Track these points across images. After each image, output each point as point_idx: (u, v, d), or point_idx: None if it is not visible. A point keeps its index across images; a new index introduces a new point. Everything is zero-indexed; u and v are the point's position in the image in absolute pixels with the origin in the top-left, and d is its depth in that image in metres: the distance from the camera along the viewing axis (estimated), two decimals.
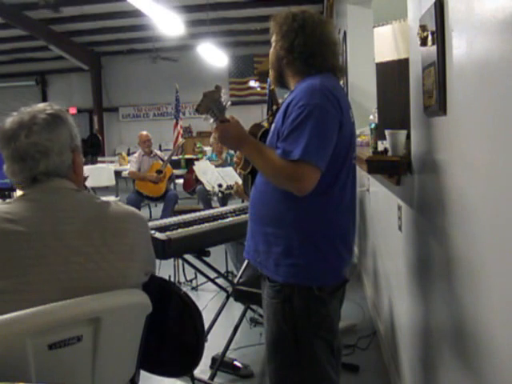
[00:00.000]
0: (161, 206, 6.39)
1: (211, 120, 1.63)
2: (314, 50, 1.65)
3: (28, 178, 1.34)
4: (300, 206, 1.57)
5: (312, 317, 1.61)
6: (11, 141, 1.31)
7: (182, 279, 4.30)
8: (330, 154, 1.53)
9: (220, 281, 3.28)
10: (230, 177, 5.19)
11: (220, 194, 5.29)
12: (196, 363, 1.60)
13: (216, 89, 1.61)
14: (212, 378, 2.66)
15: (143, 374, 1.56)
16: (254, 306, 3.09)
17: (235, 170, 5.38)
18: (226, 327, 3.01)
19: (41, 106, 1.38)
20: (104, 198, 1.45)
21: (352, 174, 1.67)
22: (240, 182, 3.98)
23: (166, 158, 6.45)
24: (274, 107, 1.96)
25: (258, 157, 1.59)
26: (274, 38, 1.74)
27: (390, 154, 1.96)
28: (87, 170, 3.01)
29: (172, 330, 1.58)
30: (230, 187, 5.14)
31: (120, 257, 1.34)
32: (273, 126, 1.69)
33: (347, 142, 1.61)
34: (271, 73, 1.79)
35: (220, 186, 5.26)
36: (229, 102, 1.63)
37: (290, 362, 1.64)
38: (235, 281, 2.90)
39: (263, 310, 1.74)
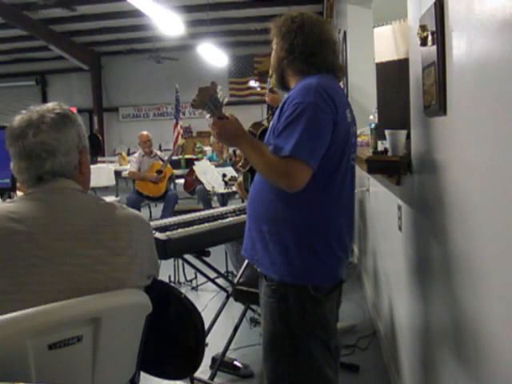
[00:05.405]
0: (161, 206, 6.40)
1: (207, 115, 1.63)
2: (314, 49, 1.67)
3: (33, 177, 1.34)
4: (295, 205, 1.58)
5: (307, 316, 1.61)
6: (19, 139, 1.31)
7: (182, 279, 4.30)
8: (322, 153, 1.54)
9: (220, 281, 3.28)
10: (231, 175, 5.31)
11: (223, 186, 5.35)
12: (196, 367, 1.59)
13: (212, 85, 1.61)
14: (212, 378, 2.66)
15: (143, 374, 1.56)
16: (254, 306, 3.09)
17: (234, 168, 5.46)
18: (226, 327, 3.01)
19: (50, 105, 1.38)
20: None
21: (350, 175, 1.67)
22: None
23: (166, 158, 6.45)
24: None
25: (254, 153, 1.60)
26: (274, 41, 1.77)
27: (389, 154, 1.96)
28: None
29: (172, 334, 1.58)
30: (233, 178, 5.21)
31: (122, 260, 1.33)
32: (270, 124, 1.71)
33: (342, 142, 1.61)
34: (273, 76, 1.82)
35: (224, 175, 5.34)
36: (226, 99, 1.64)
37: (285, 361, 1.64)
38: (235, 281, 2.90)
39: (261, 308, 1.74)
